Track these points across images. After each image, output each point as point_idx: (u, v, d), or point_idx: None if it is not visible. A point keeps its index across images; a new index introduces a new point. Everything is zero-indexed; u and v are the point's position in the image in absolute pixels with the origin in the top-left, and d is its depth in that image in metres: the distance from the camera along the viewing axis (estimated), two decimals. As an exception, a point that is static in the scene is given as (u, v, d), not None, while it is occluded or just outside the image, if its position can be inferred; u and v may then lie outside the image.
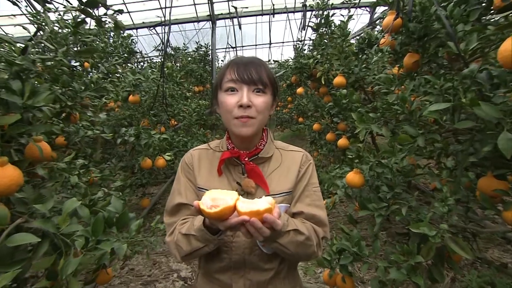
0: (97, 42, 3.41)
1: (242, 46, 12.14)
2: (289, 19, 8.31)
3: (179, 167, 1.09)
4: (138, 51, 5.64)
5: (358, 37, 3.66)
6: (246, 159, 1.00)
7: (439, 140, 1.41)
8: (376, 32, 3.42)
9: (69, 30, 1.46)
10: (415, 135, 1.53)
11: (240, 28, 7.28)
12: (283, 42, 12.15)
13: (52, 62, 1.30)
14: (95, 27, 3.36)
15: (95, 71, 2.61)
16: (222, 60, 8.96)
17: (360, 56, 3.19)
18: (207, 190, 0.98)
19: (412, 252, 1.37)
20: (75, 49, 1.49)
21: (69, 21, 2.06)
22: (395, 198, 1.87)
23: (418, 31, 1.53)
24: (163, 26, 4.14)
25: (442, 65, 1.58)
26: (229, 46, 8.36)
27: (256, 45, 12.40)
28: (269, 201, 0.74)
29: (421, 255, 1.31)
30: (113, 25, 1.64)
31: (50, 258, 1.03)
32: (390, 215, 1.88)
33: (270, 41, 10.63)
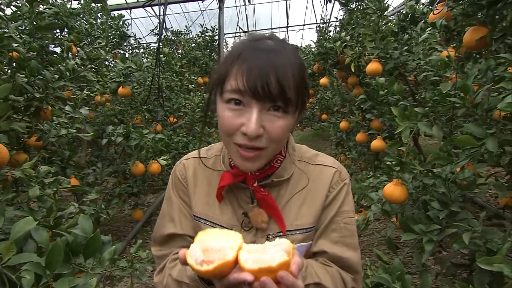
0: (79, 23, 3.33)
1: (256, 30, 12.05)
2: (311, -4, 8.09)
3: (170, 182, 0.97)
4: (132, 35, 5.59)
5: (398, 13, 3.45)
6: (255, 184, 0.84)
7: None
8: (422, 6, 3.20)
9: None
10: (482, 136, 1.34)
11: (249, 2, 7.09)
12: (303, 25, 11.97)
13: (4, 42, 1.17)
14: (79, 6, 3.29)
15: (76, 57, 2.53)
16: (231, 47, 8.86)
17: (400, 36, 2.98)
18: (205, 220, 0.89)
19: (481, 296, 1.17)
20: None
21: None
22: (450, 218, 1.67)
23: (488, -5, 1.33)
24: (160, 6, 4.05)
25: (521, 42, 1.37)
26: (240, 30, 8.24)
27: (272, 28, 12.27)
28: (285, 249, 0.61)
29: (494, 302, 1.11)
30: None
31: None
32: (444, 240, 1.68)
33: (287, 23, 10.46)
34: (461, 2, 1.51)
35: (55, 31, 2.83)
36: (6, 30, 1.27)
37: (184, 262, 0.62)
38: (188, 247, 0.88)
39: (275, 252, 0.60)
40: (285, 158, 0.88)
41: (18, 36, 1.48)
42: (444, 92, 1.64)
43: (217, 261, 0.59)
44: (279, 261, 0.58)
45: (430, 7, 2.83)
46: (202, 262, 0.60)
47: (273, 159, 0.85)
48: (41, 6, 1.84)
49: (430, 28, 2.05)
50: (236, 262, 0.60)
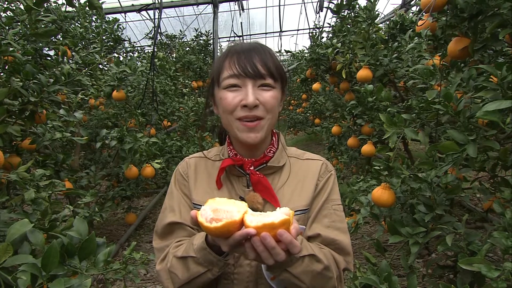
0: (73, 26, 3.35)
1: (250, 35, 12.12)
2: (304, 2, 8.18)
3: (172, 179, 1.06)
4: (126, 38, 5.60)
5: (388, 21, 3.52)
6: (252, 168, 0.95)
7: (498, 148, 1.26)
8: (411, 14, 3.28)
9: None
10: (463, 142, 1.40)
11: (243, 9, 7.15)
12: (297, 30, 12.07)
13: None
14: (74, 10, 3.31)
15: (71, 61, 2.54)
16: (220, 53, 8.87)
17: (390, 44, 3.05)
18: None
19: (462, 295, 1.22)
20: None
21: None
22: (436, 221, 1.72)
23: (469, 8, 1.39)
24: (155, 10, 4.08)
25: (500, 52, 1.44)
26: (234, 35, 8.28)
27: (266, 33, 12.36)
28: (285, 212, 0.69)
29: (474, 301, 1.16)
30: (88, 4, 1.55)
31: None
32: (430, 242, 1.73)
33: (280, 28, 10.54)
34: (444, 14, 1.58)
35: (49, 35, 2.84)
36: (3, 36, 1.30)
37: (195, 221, 0.70)
38: (187, 236, 0.95)
39: (276, 214, 0.67)
40: (277, 150, 0.99)
41: (15, 41, 1.51)
42: (430, 99, 1.70)
43: (225, 219, 0.66)
44: (280, 218, 0.65)
45: (418, 15, 2.91)
46: (212, 220, 0.66)
47: (267, 149, 0.98)
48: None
49: (416, 38, 2.12)
50: (242, 222, 0.67)
